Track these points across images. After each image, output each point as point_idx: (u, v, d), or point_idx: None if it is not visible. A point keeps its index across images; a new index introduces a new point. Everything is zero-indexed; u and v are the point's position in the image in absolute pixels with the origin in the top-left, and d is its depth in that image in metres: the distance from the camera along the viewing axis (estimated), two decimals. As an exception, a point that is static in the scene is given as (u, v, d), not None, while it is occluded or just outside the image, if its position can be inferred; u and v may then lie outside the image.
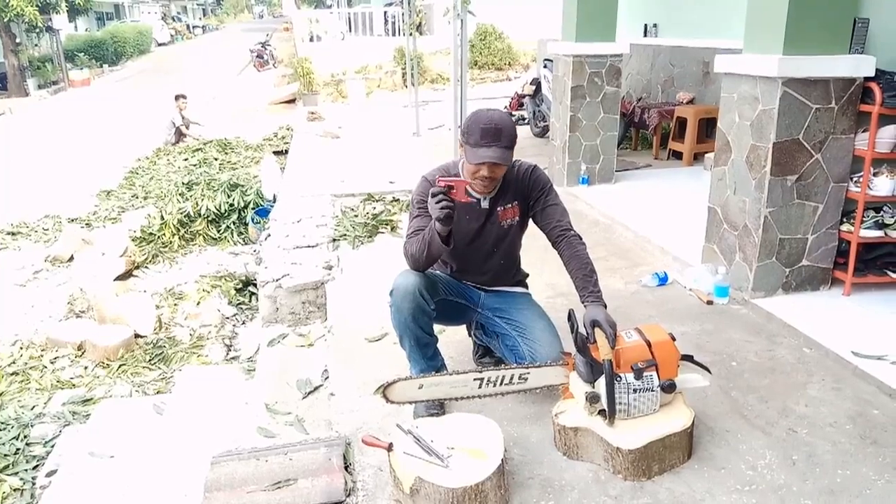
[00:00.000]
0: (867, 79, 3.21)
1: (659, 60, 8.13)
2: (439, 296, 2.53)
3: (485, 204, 2.52)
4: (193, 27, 45.73)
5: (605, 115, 5.87)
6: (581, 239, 2.51)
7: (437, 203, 2.23)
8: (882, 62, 3.25)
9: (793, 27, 3.10)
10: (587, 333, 2.22)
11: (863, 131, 3.28)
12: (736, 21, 4.76)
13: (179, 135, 10.85)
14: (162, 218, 6.39)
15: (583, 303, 2.34)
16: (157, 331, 4.64)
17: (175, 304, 5.02)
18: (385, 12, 19.11)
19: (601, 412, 2.19)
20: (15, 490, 2.88)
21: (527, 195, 2.55)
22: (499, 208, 2.54)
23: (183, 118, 10.99)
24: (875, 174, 3.30)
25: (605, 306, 2.31)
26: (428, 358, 2.53)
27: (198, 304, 4.97)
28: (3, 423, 3.33)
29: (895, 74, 3.23)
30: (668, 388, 2.19)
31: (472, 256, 2.61)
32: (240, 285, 5.09)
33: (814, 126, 3.24)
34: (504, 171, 2.42)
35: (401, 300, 2.40)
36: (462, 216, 2.51)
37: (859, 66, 3.19)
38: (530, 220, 2.63)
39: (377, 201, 5.73)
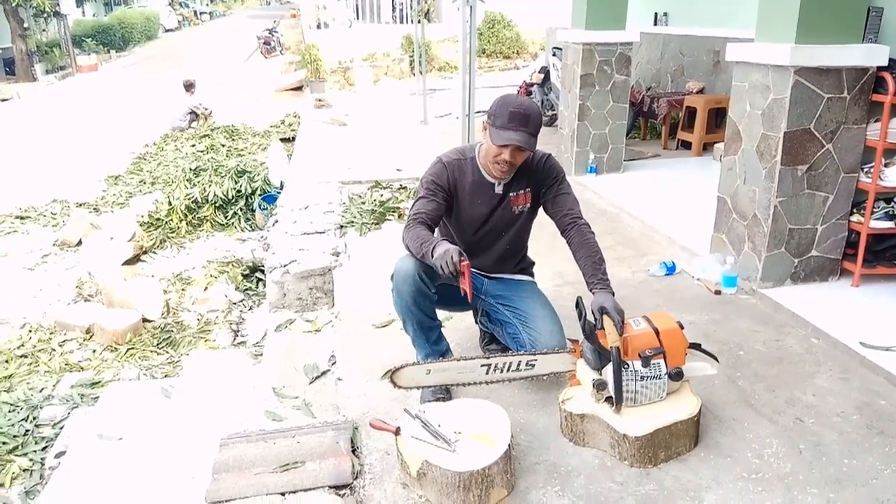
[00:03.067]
0: (880, 68, 3.18)
1: (669, 49, 8.07)
2: (440, 279, 2.52)
3: (498, 189, 2.51)
4: (201, 13, 45.50)
5: (615, 104, 5.83)
6: (590, 228, 2.50)
7: (447, 267, 2.15)
8: (896, 51, 3.22)
9: (806, 16, 3.06)
10: (595, 320, 2.21)
11: (875, 121, 3.26)
12: (747, 10, 4.72)
13: (192, 121, 10.81)
14: (170, 203, 6.41)
15: (591, 290, 2.33)
16: (164, 315, 4.66)
17: (183, 290, 5.04)
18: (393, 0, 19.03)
19: (608, 399, 2.19)
20: (24, 470, 2.90)
21: (540, 182, 2.54)
22: (511, 194, 2.53)
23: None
24: (886, 165, 3.28)
25: (614, 294, 2.31)
26: (432, 342, 2.54)
27: (205, 289, 4.99)
28: (12, 404, 3.36)
29: (909, 64, 3.20)
30: (676, 376, 2.18)
31: (480, 240, 2.61)
32: (247, 271, 5.11)
33: (825, 116, 3.22)
34: (525, 158, 2.42)
35: (401, 284, 2.41)
36: (474, 200, 2.51)
37: (872, 56, 3.16)
38: (540, 208, 2.62)
39: (384, 188, 5.73)
